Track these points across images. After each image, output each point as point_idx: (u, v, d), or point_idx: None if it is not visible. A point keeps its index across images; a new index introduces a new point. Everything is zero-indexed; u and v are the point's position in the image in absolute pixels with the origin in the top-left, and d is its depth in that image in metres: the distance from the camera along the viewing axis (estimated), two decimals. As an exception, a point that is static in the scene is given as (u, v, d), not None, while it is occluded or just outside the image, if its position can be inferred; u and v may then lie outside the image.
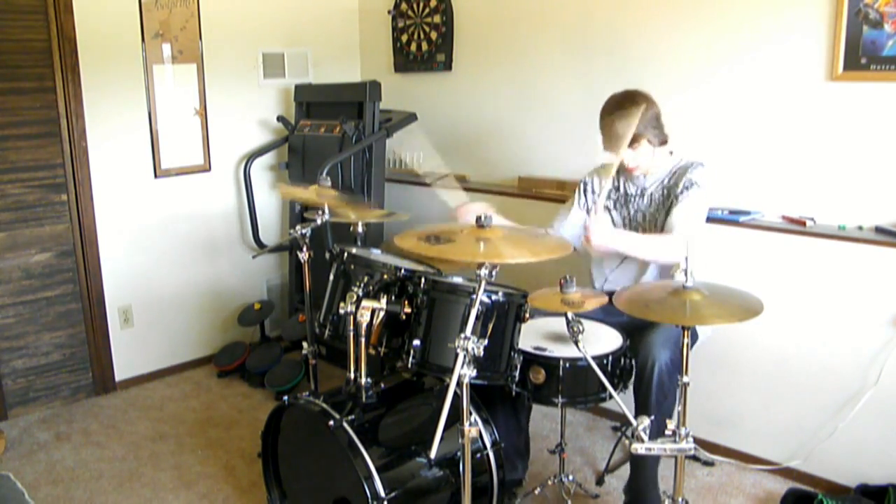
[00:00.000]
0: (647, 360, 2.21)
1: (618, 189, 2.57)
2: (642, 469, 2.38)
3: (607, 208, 2.60)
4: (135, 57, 3.50)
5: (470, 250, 1.81)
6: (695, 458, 2.88)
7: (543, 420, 3.19)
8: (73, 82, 3.30)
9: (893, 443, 2.51)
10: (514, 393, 2.14)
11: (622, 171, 2.56)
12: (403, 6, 3.99)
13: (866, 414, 2.55)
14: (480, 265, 1.78)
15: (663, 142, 2.42)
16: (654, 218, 2.48)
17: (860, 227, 2.58)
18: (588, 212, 2.56)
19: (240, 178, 3.92)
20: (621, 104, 2.34)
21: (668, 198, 2.45)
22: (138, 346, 3.71)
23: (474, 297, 1.75)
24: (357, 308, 2.00)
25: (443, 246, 1.82)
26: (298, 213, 3.88)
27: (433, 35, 3.87)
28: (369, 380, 2.12)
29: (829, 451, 2.65)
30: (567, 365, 2.08)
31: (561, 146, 3.41)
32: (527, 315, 2.04)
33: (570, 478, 2.61)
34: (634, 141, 2.33)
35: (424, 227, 1.97)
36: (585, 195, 2.65)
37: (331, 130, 3.73)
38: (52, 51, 3.24)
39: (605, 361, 2.13)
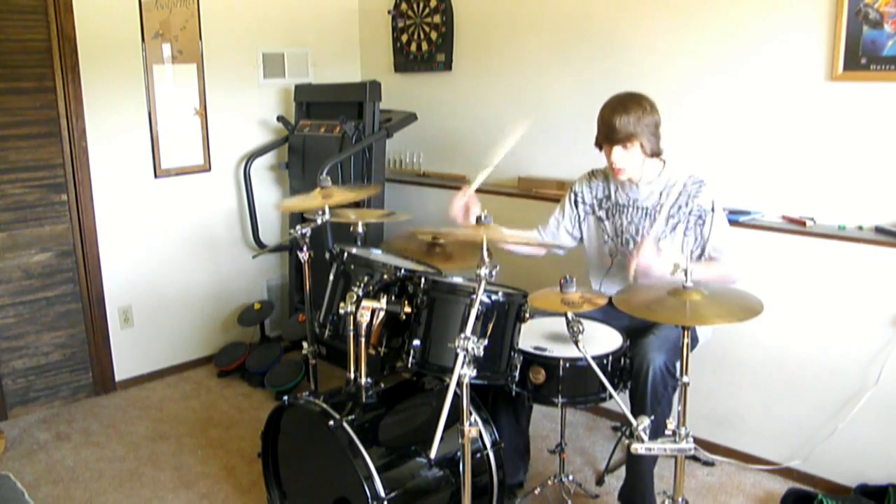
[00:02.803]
0: (643, 364, 2.21)
1: (609, 198, 2.55)
2: (638, 475, 2.38)
3: (599, 218, 2.58)
4: (135, 57, 3.50)
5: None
6: (695, 458, 2.88)
7: (543, 420, 3.19)
8: (73, 82, 3.30)
9: (893, 443, 2.51)
10: (514, 393, 2.15)
11: (613, 178, 2.55)
12: (403, 6, 3.99)
13: (866, 414, 2.55)
14: (480, 265, 1.78)
15: (656, 153, 2.38)
16: (648, 233, 2.43)
17: (860, 227, 2.58)
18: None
19: (240, 178, 3.92)
20: (624, 101, 2.33)
21: (671, 217, 2.40)
22: (138, 346, 3.71)
23: (474, 297, 1.76)
24: (357, 308, 2.01)
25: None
26: (298, 213, 3.88)
27: (433, 35, 3.87)
28: (369, 380, 2.13)
29: (829, 451, 2.65)
30: (567, 365, 2.08)
31: (561, 146, 3.40)
32: (527, 315, 2.04)
33: (570, 478, 2.61)
34: (628, 140, 2.31)
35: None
36: (576, 206, 2.62)
37: (331, 130, 3.72)
38: (52, 51, 3.24)
39: (604, 361, 2.13)
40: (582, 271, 2.64)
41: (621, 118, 2.28)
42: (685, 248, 2.43)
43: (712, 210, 2.38)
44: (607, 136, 2.34)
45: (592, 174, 2.62)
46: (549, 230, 2.67)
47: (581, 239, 2.65)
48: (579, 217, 2.62)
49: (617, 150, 2.34)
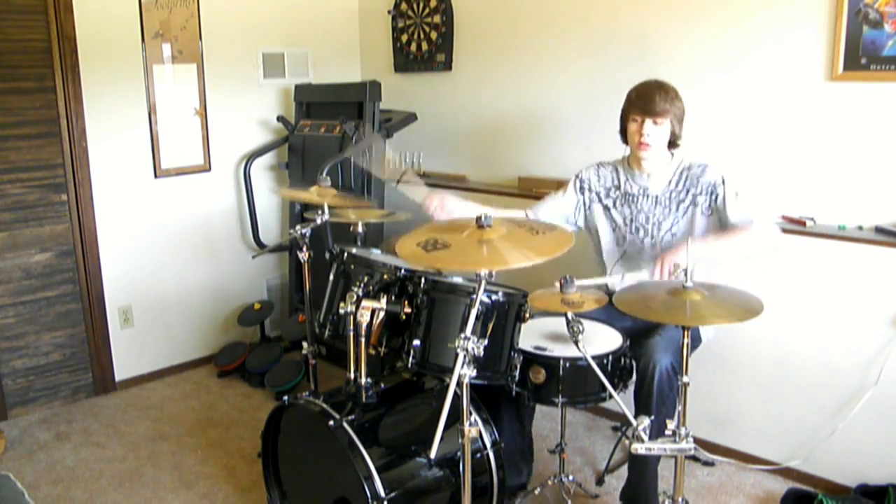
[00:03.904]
0: (649, 365, 2.21)
1: (618, 188, 2.57)
2: (642, 475, 2.38)
3: (606, 207, 2.59)
4: (135, 57, 3.50)
5: (472, 258, 1.76)
6: (695, 458, 2.88)
7: (543, 420, 3.19)
8: (73, 82, 3.30)
9: (893, 443, 2.51)
10: (514, 393, 2.14)
11: (623, 168, 2.56)
12: (403, 6, 3.99)
13: (866, 414, 2.55)
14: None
15: (675, 142, 2.43)
16: (659, 221, 2.48)
17: (860, 227, 2.58)
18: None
19: (240, 178, 3.92)
20: (660, 82, 2.41)
21: (682, 202, 2.44)
22: (138, 346, 3.71)
23: (474, 297, 1.75)
24: (357, 308, 2.00)
25: (441, 252, 1.77)
26: (298, 213, 3.88)
27: (433, 35, 3.87)
28: (369, 380, 2.12)
29: (829, 451, 2.65)
30: (567, 365, 2.08)
31: (561, 146, 3.41)
32: (527, 315, 2.04)
33: (570, 478, 2.61)
34: (661, 115, 2.35)
35: (424, 227, 1.96)
36: (581, 192, 2.63)
37: (331, 130, 3.72)
38: (52, 51, 3.24)
39: (605, 361, 2.13)
40: (583, 270, 2.63)
41: (660, 94, 2.36)
42: (707, 230, 2.43)
43: (723, 183, 2.39)
44: (643, 109, 2.37)
45: (601, 164, 2.64)
46: (540, 214, 2.64)
47: (580, 227, 2.66)
48: (584, 204, 2.63)
49: (648, 124, 2.37)
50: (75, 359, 3.53)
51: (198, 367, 3.91)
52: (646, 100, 2.37)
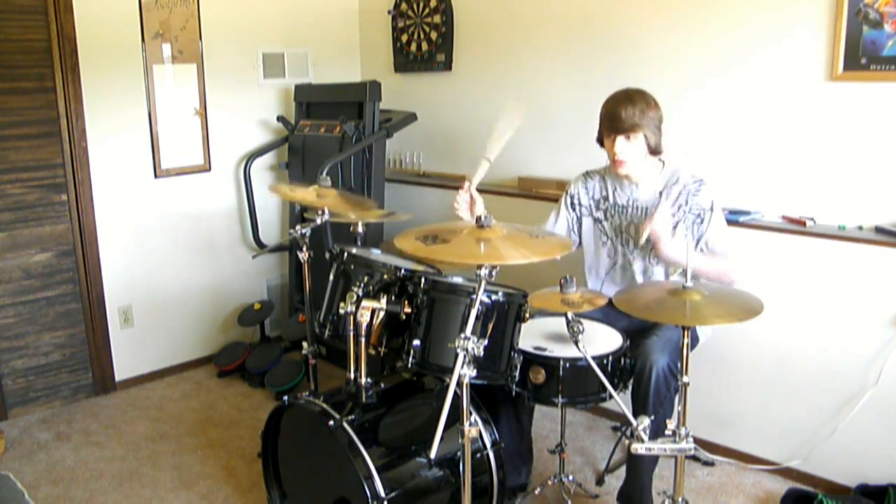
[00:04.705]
0: (646, 365, 2.20)
1: (607, 198, 2.55)
2: (637, 476, 2.38)
3: (597, 219, 2.58)
4: (135, 57, 3.50)
5: (470, 252, 1.79)
6: (695, 458, 2.88)
7: (543, 420, 3.19)
8: (73, 82, 3.30)
9: (893, 443, 2.51)
10: (514, 393, 2.15)
11: (611, 178, 2.54)
12: (403, 6, 3.99)
13: (866, 414, 2.55)
14: (480, 265, 1.78)
15: (656, 151, 2.39)
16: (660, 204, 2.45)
17: (860, 227, 2.58)
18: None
19: (240, 178, 3.92)
20: (629, 94, 2.35)
21: (672, 216, 2.40)
22: (138, 346, 3.71)
23: (474, 297, 1.75)
24: (357, 308, 2.01)
25: (440, 246, 1.81)
26: (298, 213, 3.88)
27: (433, 35, 3.87)
28: (369, 380, 2.12)
29: (829, 451, 2.65)
30: (567, 365, 2.08)
31: (561, 146, 3.41)
32: (527, 315, 2.04)
33: (570, 478, 2.61)
34: (632, 130, 2.31)
35: (423, 226, 1.96)
36: (573, 209, 2.61)
37: (331, 130, 3.73)
38: (52, 51, 3.24)
39: (605, 361, 2.13)
40: (580, 272, 2.64)
41: (627, 109, 2.30)
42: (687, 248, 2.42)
43: (711, 209, 2.37)
44: (611, 127, 2.35)
45: (588, 175, 2.61)
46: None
47: (579, 242, 2.65)
48: (578, 219, 2.61)
49: (620, 141, 2.34)
50: (75, 359, 3.53)
51: (198, 367, 3.91)
52: (613, 117, 2.34)
